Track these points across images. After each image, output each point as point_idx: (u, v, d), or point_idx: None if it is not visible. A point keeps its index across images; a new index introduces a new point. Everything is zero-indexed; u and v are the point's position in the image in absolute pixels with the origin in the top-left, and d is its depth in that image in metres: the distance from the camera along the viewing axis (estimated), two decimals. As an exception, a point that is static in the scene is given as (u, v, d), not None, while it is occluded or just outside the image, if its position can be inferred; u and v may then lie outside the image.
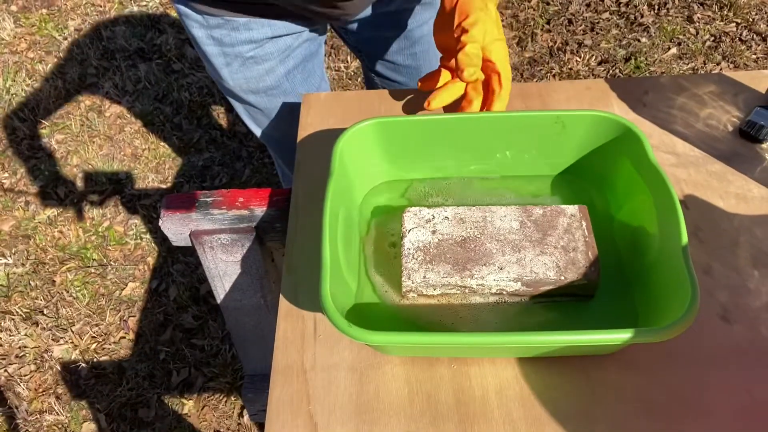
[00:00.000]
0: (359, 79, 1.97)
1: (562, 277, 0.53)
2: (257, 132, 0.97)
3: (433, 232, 0.57)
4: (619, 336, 0.45)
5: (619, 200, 0.61)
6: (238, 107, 0.93)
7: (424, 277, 0.54)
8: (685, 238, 0.49)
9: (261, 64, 0.83)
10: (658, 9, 2.08)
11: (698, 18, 2.03)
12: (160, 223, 0.70)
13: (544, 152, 0.63)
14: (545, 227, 0.56)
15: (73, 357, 1.41)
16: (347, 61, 2.01)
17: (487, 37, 0.60)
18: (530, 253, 0.55)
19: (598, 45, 1.99)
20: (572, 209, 0.58)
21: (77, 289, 1.52)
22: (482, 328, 0.54)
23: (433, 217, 0.58)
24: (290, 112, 0.90)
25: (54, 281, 1.54)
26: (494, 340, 0.47)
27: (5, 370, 1.40)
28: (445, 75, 0.69)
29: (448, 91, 0.65)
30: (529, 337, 0.46)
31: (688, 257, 0.48)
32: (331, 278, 0.49)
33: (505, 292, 0.55)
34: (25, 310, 1.49)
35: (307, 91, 0.91)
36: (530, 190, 0.64)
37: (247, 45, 0.80)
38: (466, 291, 0.55)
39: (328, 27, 0.93)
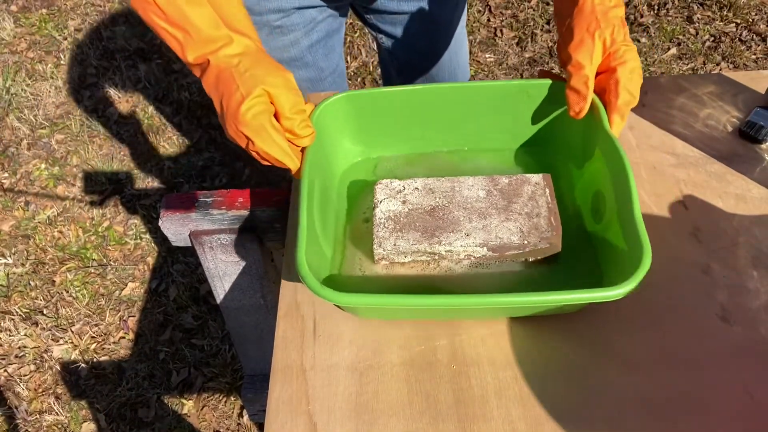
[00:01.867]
0: (359, 79, 1.97)
1: (525, 241, 0.55)
2: None
3: (404, 202, 0.59)
4: (565, 297, 0.47)
5: (580, 167, 0.63)
6: None
7: (395, 244, 0.56)
8: (636, 201, 0.51)
9: (287, 35, 0.85)
10: (658, 9, 2.08)
11: (698, 18, 2.03)
12: (159, 223, 0.70)
13: (510, 123, 0.65)
14: (510, 195, 0.59)
15: (72, 357, 1.41)
16: (347, 61, 2.01)
17: (595, 56, 0.56)
18: (496, 219, 0.57)
19: (598, 45, 1.99)
20: (536, 178, 0.60)
21: (77, 289, 1.52)
22: (452, 293, 0.55)
23: (404, 188, 0.60)
24: (309, 86, 0.93)
25: (54, 281, 1.54)
26: (457, 301, 0.49)
27: (5, 370, 1.40)
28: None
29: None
30: (487, 298, 0.48)
31: (640, 219, 0.50)
32: (308, 245, 0.51)
33: (472, 258, 0.57)
34: (24, 310, 1.49)
35: (327, 66, 0.93)
36: (498, 162, 0.67)
37: (276, 14, 0.82)
38: (436, 257, 0.57)
39: (349, 10, 0.95)
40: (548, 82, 0.62)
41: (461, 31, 1.00)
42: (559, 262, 0.58)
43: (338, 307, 0.56)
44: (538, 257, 0.57)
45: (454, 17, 0.95)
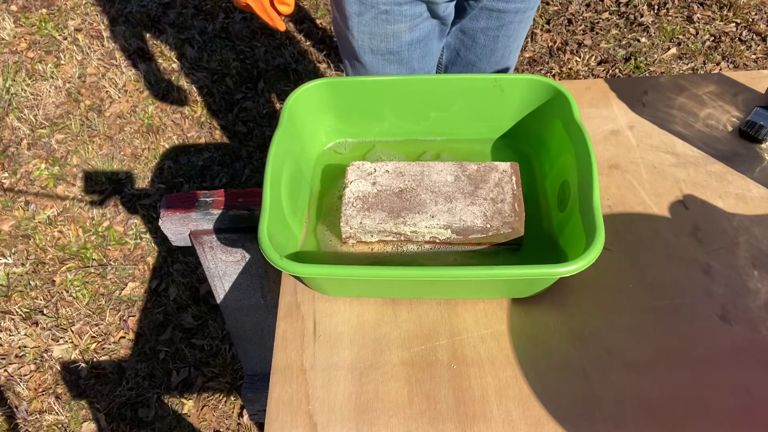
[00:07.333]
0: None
1: (488, 225, 0.56)
2: None
3: (373, 184, 0.60)
4: (516, 272, 0.48)
5: (552, 159, 0.64)
6: (349, 68, 0.96)
7: (361, 222, 0.57)
8: (596, 190, 0.52)
9: (392, 24, 0.85)
10: (658, 9, 2.08)
11: (698, 18, 2.03)
12: (159, 223, 0.70)
13: (485, 115, 0.67)
14: (477, 181, 0.60)
15: (72, 357, 1.41)
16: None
17: None
18: (461, 203, 0.58)
19: (598, 45, 1.99)
20: (504, 165, 0.61)
21: (77, 289, 1.52)
22: None
23: (375, 170, 0.61)
24: None
25: (54, 281, 1.54)
26: (409, 273, 0.49)
27: (5, 370, 1.40)
28: None
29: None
30: (444, 271, 0.49)
31: (598, 207, 0.51)
32: (270, 222, 0.52)
33: (437, 240, 0.58)
34: (24, 310, 1.49)
35: (420, 69, 0.93)
36: (475, 151, 0.68)
37: None
38: (402, 238, 0.58)
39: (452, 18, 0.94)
40: (521, 76, 0.64)
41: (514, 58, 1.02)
42: (523, 249, 0.59)
43: (303, 283, 0.58)
44: (501, 241, 0.58)
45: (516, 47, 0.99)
